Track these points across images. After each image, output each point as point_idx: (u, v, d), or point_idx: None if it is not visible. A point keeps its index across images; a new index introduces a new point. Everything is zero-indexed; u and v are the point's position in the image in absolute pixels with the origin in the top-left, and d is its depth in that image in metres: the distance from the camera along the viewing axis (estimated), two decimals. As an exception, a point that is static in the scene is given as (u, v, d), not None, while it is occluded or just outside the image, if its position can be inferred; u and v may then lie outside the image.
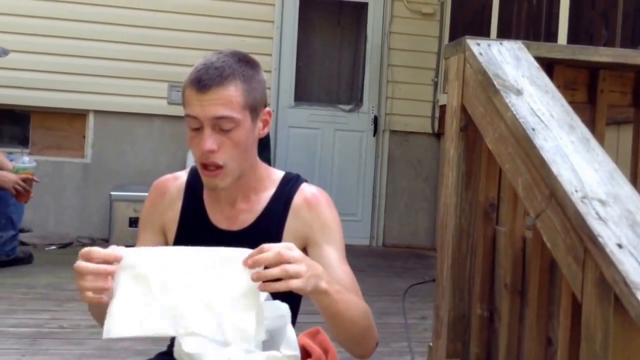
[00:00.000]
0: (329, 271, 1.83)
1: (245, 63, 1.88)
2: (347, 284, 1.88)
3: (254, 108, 1.87)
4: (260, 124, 1.93)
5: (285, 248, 1.59)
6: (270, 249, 1.58)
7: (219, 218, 1.98)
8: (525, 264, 2.23)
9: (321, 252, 1.93)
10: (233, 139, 1.83)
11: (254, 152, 1.96)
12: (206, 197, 2.02)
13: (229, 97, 1.81)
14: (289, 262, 1.56)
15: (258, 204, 1.99)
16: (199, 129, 1.83)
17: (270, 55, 7.68)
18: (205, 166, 1.86)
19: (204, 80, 1.81)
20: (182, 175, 2.10)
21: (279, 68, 7.75)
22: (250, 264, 1.58)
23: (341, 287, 1.77)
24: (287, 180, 2.04)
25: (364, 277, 6.09)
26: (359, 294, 1.92)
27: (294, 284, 1.57)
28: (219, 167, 1.84)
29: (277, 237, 1.92)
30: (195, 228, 1.98)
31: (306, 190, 2.02)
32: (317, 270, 1.65)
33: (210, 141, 1.81)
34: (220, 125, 1.82)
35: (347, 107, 8.01)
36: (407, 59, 7.95)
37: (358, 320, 1.80)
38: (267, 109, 1.95)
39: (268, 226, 1.95)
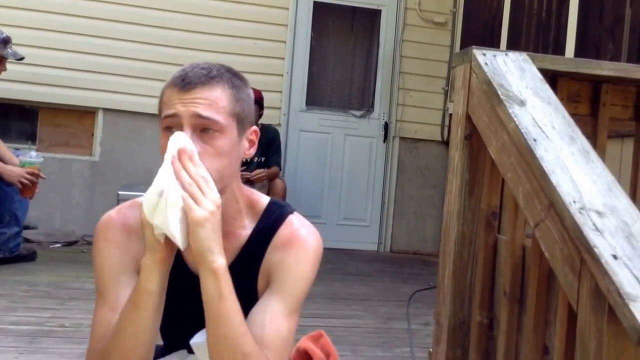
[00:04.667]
0: (258, 317, 1.66)
1: (234, 74, 1.72)
2: (272, 339, 1.65)
3: (241, 120, 1.69)
4: (246, 143, 1.75)
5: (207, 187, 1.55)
6: (191, 172, 1.55)
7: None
8: (524, 272, 2.25)
9: (266, 296, 1.72)
10: (216, 146, 1.63)
11: (237, 173, 1.76)
12: None
13: (215, 98, 1.63)
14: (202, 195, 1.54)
15: (237, 241, 1.78)
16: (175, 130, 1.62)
17: (283, 58, 7.72)
18: None
19: (189, 77, 1.64)
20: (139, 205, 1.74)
21: (291, 72, 7.79)
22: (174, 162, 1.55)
23: (238, 308, 1.59)
24: (270, 213, 1.82)
25: (371, 282, 6.13)
26: (271, 348, 1.65)
27: (189, 204, 1.53)
28: None
29: (252, 280, 1.76)
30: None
31: (290, 226, 1.79)
32: (220, 243, 1.56)
33: None
34: (203, 129, 1.62)
35: (358, 113, 8.04)
36: (418, 67, 7.99)
37: (231, 344, 1.58)
38: (254, 127, 1.77)
39: (244, 268, 1.75)
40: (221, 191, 1.62)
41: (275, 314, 1.67)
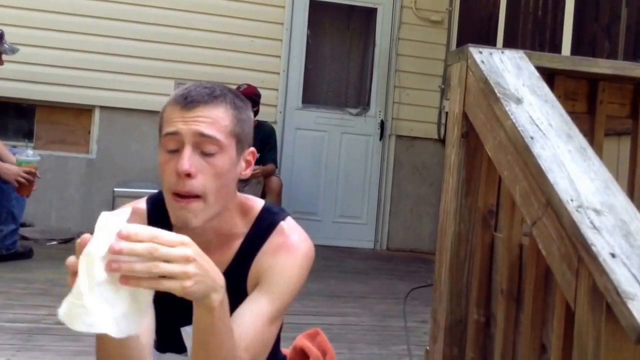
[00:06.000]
0: (244, 319, 1.62)
1: (236, 95, 1.72)
2: (251, 341, 1.61)
3: (240, 140, 1.69)
4: (243, 164, 1.73)
5: (167, 242, 1.28)
6: (144, 238, 1.26)
7: None
8: (521, 270, 2.25)
9: (252, 299, 1.68)
10: (215, 165, 1.62)
11: (233, 192, 1.74)
12: None
13: (217, 117, 1.63)
14: (166, 261, 1.26)
15: (230, 250, 1.77)
16: (176, 151, 1.61)
17: (279, 57, 7.72)
18: (178, 195, 1.61)
19: (192, 96, 1.63)
20: (140, 208, 1.85)
21: (288, 70, 7.78)
22: (112, 252, 1.24)
23: (231, 334, 1.50)
24: (261, 220, 1.81)
25: (367, 279, 6.14)
26: (251, 351, 1.60)
27: (169, 285, 1.27)
28: (195, 196, 1.61)
29: (243, 286, 1.74)
30: None
31: (281, 233, 1.78)
32: (213, 279, 1.37)
33: (189, 162, 1.58)
34: (203, 147, 1.61)
35: (355, 111, 8.03)
36: (414, 65, 7.99)
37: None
38: (252, 149, 1.76)
39: (237, 276, 1.73)
40: (217, 213, 1.66)
41: (260, 319, 1.65)
